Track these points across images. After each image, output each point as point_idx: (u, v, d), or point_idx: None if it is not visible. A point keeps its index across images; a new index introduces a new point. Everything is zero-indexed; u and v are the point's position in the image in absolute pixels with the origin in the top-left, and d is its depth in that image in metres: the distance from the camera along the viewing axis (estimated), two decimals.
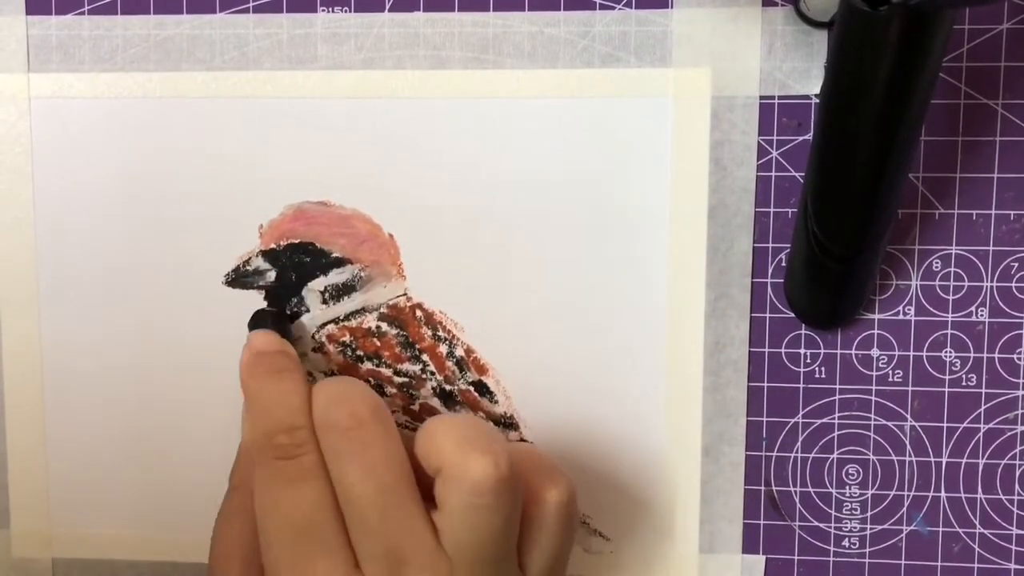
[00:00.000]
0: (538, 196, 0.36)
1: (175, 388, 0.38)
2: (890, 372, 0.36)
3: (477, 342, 0.37)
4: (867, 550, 0.37)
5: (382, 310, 0.37)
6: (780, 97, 0.35)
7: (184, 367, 0.38)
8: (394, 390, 0.37)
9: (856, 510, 0.37)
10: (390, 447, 0.31)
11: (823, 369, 0.36)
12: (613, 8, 0.36)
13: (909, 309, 0.36)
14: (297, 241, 0.37)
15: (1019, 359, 0.36)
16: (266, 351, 0.34)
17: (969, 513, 0.37)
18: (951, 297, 0.36)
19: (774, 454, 0.37)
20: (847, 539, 0.37)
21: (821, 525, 0.37)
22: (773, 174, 0.36)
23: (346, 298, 0.37)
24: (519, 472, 0.31)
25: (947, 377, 0.36)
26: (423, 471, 0.31)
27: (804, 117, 0.36)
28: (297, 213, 0.37)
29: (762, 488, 0.37)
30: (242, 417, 0.35)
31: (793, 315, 0.36)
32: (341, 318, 0.37)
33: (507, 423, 0.37)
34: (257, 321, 0.36)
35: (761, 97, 0.35)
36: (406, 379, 0.37)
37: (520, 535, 0.31)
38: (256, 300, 0.38)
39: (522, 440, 0.37)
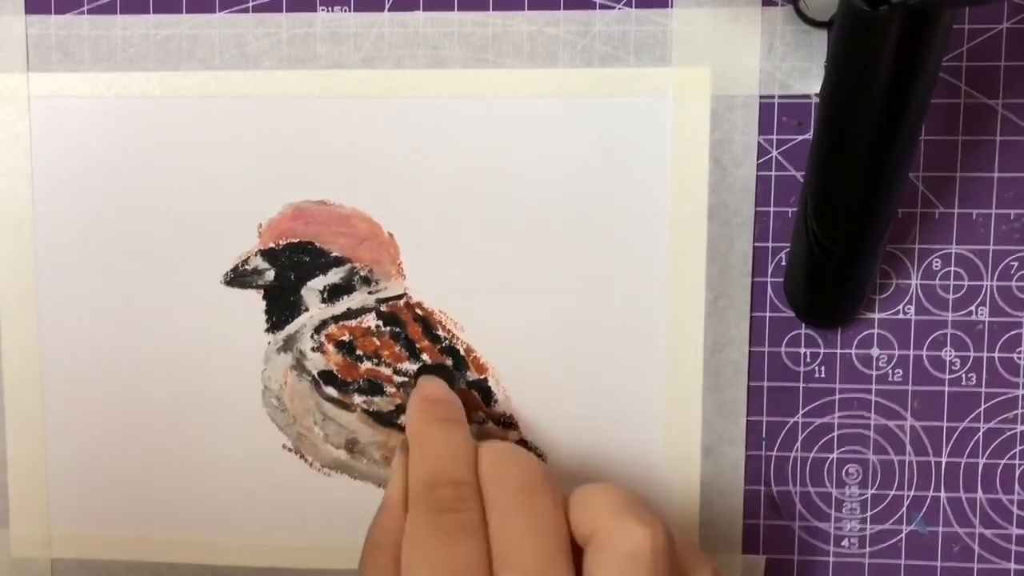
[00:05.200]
0: (537, 196, 0.36)
1: (174, 388, 0.38)
2: (890, 371, 0.36)
3: (476, 342, 0.37)
4: (867, 550, 0.37)
5: (381, 309, 0.37)
6: (780, 96, 0.35)
7: (183, 366, 0.38)
8: (393, 389, 0.37)
9: (856, 510, 0.37)
10: (557, 513, 0.30)
11: (823, 369, 0.36)
12: (613, 8, 0.36)
13: (909, 308, 0.36)
14: (296, 240, 0.37)
15: (1019, 358, 0.36)
16: (438, 399, 0.34)
17: (969, 513, 0.37)
18: (951, 296, 0.36)
19: (774, 454, 0.37)
20: (847, 539, 0.37)
21: (821, 525, 0.37)
22: (773, 173, 0.36)
23: (345, 297, 0.37)
24: (674, 550, 0.29)
25: (947, 376, 0.36)
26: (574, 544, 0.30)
27: (804, 116, 0.36)
28: (296, 212, 0.37)
29: (762, 488, 0.37)
30: (393, 466, 0.33)
31: (793, 315, 0.36)
32: (340, 317, 0.37)
33: (506, 423, 0.37)
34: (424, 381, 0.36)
35: (761, 96, 0.35)
36: (406, 378, 0.37)
37: None
38: (255, 299, 0.37)
39: (521, 440, 0.37)
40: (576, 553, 0.30)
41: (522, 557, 0.29)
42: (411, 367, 0.37)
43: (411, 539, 0.30)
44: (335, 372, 0.38)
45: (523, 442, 0.37)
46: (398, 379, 0.37)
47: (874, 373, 0.36)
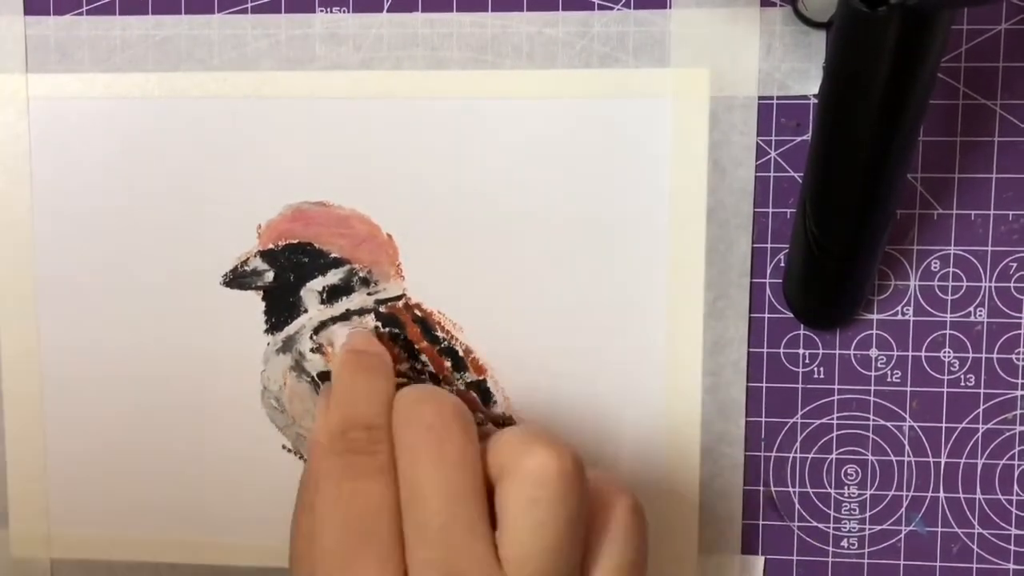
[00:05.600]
0: (536, 196, 0.36)
1: (173, 388, 0.38)
2: (889, 372, 0.36)
3: (476, 342, 0.37)
4: (866, 550, 0.37)
5: (380, 310, 0.37)
6: (779, 97, 0.35)
7: (182, 367, 0.38)
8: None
9: (855, 510, 0.37)
10: (467, 451, 0.29)
11: (822, 369, 0.36)
12: (612, 8, 0.36)
13: (908, 309, 0.36)
14: (295, 241, 0.37)
15: (1018, 359, 0.36)
16: (363, 350, 0.34)
17: (968, 513, 0.37)
18: (950, 297, 0.36)
19: (773, 454, 0.37)
20: (846, 539, 0.37)
21: (820, 525, 0.37)
22: (772, 174, 0.36)
23: (344, 298, 0.37)
24: (585, 476, 0.29)
25: (946, 377, 0.36)
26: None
27: (803, 117, 0.36)
28: (295, 213, 0.37)
29: (761, 488, 0.37)
30: (316, 410, 0.34)
31: (792, 315, 0.36)
32: (339, 318, 0.37)
33: (505, 423, 0.37)
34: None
35: (760, 97, 0.35)
36: (404, 379, 0.37)
37: (587, 551, 0.29)
38: (254, 300, 0.38)
39: None
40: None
41: (428, 497, 0.29)
42: (410, 368, 0.37)
43: (323, 479, 0.31)
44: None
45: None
46: (397, 380, 0.37)
47: (873, 374, 0.36)
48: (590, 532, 0.29)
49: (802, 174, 0.35)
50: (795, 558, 0.37)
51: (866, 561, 0.37)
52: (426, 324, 0.37)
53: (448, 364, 0.37)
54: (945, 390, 0.36)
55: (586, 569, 0.29)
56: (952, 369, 0.36)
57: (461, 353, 0.37)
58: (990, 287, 0.36)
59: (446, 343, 0.37)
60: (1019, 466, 0.36)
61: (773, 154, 0.36)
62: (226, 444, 0.38)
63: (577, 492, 0.28)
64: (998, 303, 0.36)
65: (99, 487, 0.39)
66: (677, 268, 0.36)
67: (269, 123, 0.37)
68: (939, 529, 0.37)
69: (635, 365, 0.37)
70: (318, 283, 0.37)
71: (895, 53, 0.28)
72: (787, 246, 0.36)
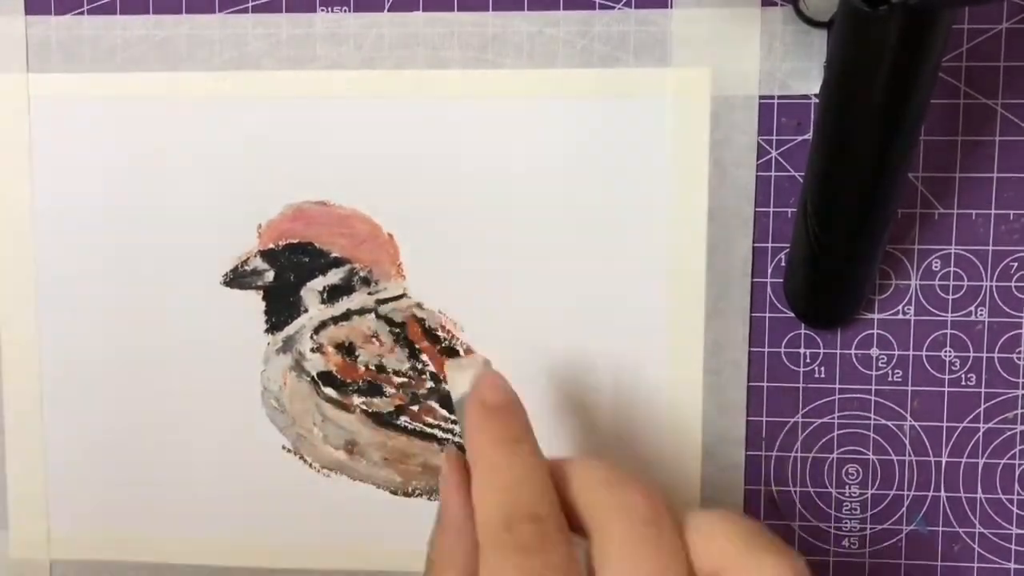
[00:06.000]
0: (537, 196, 0.36)
1: (173, 388, 0.38)
2: (889, 372, 0.36)
3: (476, 342, 0.37)
4: (867, 550, 0.37)
5: (381, 310, 0.37)
6: (780, 97, 0.35)
7: (182, 367, 0.38)
8: (393, 390, 0.37)
9: (856, 510, 0.37)
10: (681, 548, 0.26)
11: (823, 369, 0.36)
12: (613, 8, 0.36)
13: (908, 309, 0.36)
14: (296, 241, 0.37)
15: (1018, 359, 0.36)
16: (499, 407, 0.29)
17: (969, 513, 0.37)
18: (950, 297, 0.36)
19: (774, 454, 0.37)
20: (847, 539, 0.37)
21: (821, 525, 0.37)
22: (773, 174, 0.36)
23: (345, 298, 0.37)
24: None
25: (946, 377, 0.36)
26: None
27: (804, 117, 0.36)
28: (296, 213, 0.37)
29: (762, 488, 0.37)
30: (445, 479, 0.29)
31: (793, 315, 0.36)
32: (340, 318, 0.37)
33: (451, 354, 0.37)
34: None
35: (761, 97, 0.35)
36: (405, 379, 0.37)
37: None
38: (254, 300, 0.37)
39: None
40: None
41: None
42: (411, 367, 0.37)
43: None
44: (334, 373, 0.38)
45: None
46: (398, 380, 0.37)
47: (874, 373, 0.36)
48: None
49: (803, 174, 0.35)
50: None
51: (867, 560, 0.37)
52: (427, 323, 0.37)
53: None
54: (946, 389, 0.36)
55: None
56: (953, 368, 0.36)
57: (462, 352, 0.37)
58: (991, 286, 0.36)
59: (447, 342, 0.37)
60: (1020, 465, 0.36)
61: (774, 153, 0.36)
62: (226, 444, 0.38)
63: None
64: (999, 302, 0.36)
65: (99, 487, 0.39)
66: (678, 268, 0.36)
67: (270, 123, 0.37)
68: (940, 528, 0.37)
69: (635, 365, 0.36)
70: (318, 283, 0.37)
71: (896, 52, 0.28)
72: (788, 245, 0.36)
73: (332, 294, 0.37)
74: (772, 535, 0.27)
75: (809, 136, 0.35)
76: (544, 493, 0.27)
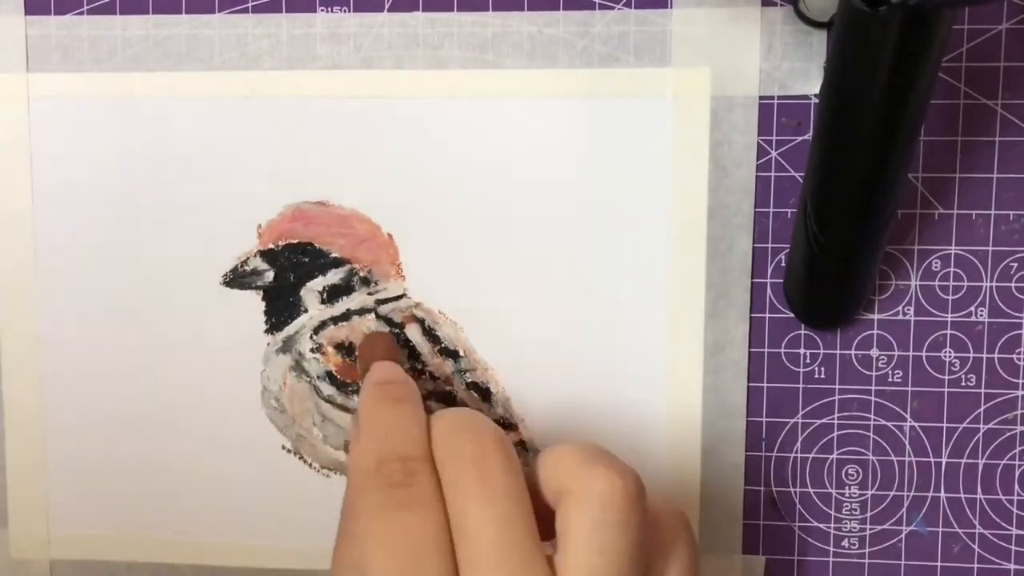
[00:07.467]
0: (537, 196, 0.36)
1: (173, 388, 0.38)
2: (890, 372, 0.36)
3: (476, 342, 0.37)
4: (867, 550, 0.37)
5: (381, 310, 0.37)
6: (779, 97, 0.35)
7: (182, 367, 0.38)
8: None
9: (856, 510, 0.37)
10: (512, 480, 0.28)
11: (823, 369, 0.36)
12: (612, 8, 0.36)
13: (908, 309, 0.36)
14: (295, 241, 0.37)
15: (1018, 359, 0.36)
16: (388, 380, 0.32)
17: (969, 513, 0.37)
18: (950, 297, 0.36)
19: (774, 454, 0.37)
20: (847, 539, 0.37)
21: (821, 525, 0.37)
22: (772, 174, 0.36)
23: (345, 298, 0.37)
24: (646, 497, 0.28)
25: (946, 377, 0.36)
26: (540, 512, 0.29)
27: (803, 117, 0.36)
28: (296, 213, 0.37)
29: (762, 488, 0.37)
30: (348, 447, 0.32)
31: (793, 315, 0.36)
32: (339, 318, 0.37)
33: (506, 424, 0.37)
34: (370, 343, 0.36)
35: (760, 97, 0.35)
36: None
37: (647, 572, 0.28)
38: (254, 300, 0.37)
39: (521, 440, 0.37)
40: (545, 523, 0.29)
41: (479, 530, 0.28)
42: (410, 368, 0.37)
43: (366, 515, 0.29)
44: (334, 373, 0.38)
45: (522, 442, 0.37)
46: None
47: (874, 374, 0.36)
48: (650, 553, 0.29)
49: (803, 174, 0.35)
50: (796, 558, 0.37)
51: (867, 561, 0.37)
52: (426, 324, 0.37)
53: (449, 364, 0.37)
54: (946, 390, 0.36)
55: None
56: (953, 369, 0.36)
57: (462, 353, 0.37)
58: (991, 287, 0.36)
59: (447, 343, 0.37)
60: (1020, 466, 0.36)
61: (774, 154, 0.36)
62: (226, 444, 0.38)
63: (641, 513, 0.28)
64: (999, 303, 0.36)
65: (99, 487, 0.39)
66: (678, 268, 0.36)
67: (269, 122, 0.37)
68: (940, 529, 0.37)
69: (635, 365, 0.36)
70: (318, 283, 0.37)
71: (896, 53, 0.28)
72: (788, 246, 0.36)
73: (332, 294, 0.37)
74: (613, 456, 0.29)
75: (809, 136, 0.35)
76: (416, 440, 0.30)
